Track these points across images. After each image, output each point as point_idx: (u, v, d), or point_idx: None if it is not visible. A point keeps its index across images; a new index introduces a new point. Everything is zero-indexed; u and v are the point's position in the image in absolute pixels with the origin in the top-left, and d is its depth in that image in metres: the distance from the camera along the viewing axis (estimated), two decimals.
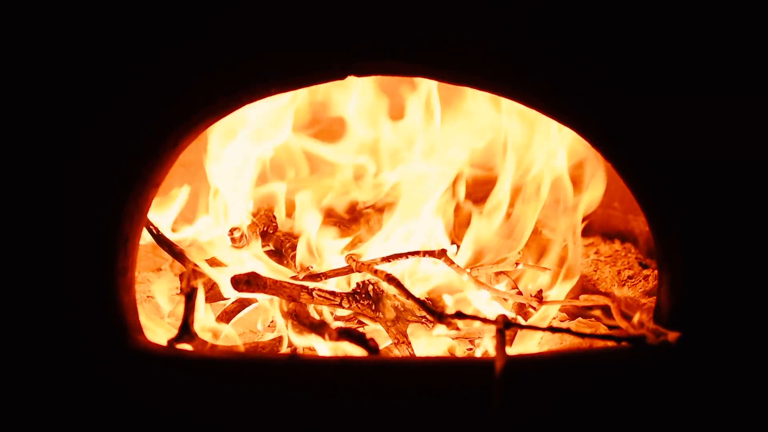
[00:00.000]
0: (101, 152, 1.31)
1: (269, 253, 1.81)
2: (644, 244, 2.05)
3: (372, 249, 1.81)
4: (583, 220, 1.79)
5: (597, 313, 1.64)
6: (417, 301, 1.45)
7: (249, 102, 1.40)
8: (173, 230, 1.84)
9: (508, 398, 1.16)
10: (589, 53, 1.30)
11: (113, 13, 1.29)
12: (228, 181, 1.87)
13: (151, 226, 1.70)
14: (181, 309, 1.38)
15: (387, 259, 1.68)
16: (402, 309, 1.61)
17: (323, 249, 1.84)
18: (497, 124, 1.88)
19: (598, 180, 1.77)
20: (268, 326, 1.75)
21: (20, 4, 1.28)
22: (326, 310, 1.65)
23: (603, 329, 1.62)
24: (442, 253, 1.70)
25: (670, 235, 1.36)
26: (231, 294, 1.59)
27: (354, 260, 1.69)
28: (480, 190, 1.96)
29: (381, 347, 1.45)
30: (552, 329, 1.32)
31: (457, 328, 1.64)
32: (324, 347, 1.48)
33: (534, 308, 1.69)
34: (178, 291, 1.87)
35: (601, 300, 1.64)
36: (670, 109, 1.30)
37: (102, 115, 1.31)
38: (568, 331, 1.30)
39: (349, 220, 2.02)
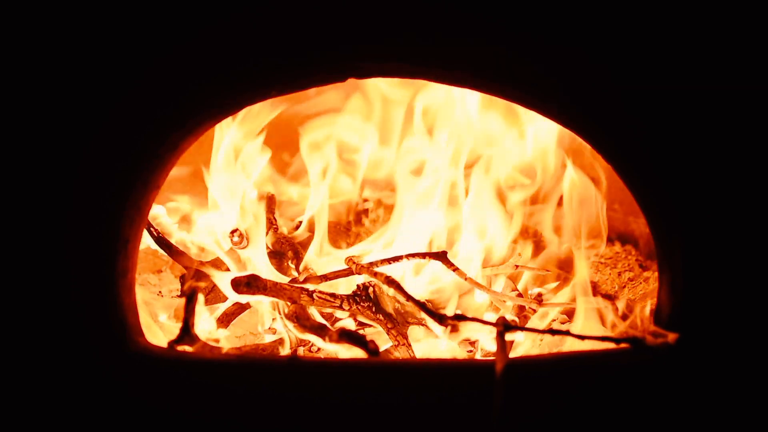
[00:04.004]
0: (102, 154, 1.31)
1: (269, 254, 1.81)
2: (644, 246, 2.05)
3: (372, 251, 1.81)
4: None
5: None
6: (417, 303, 1.45)
7: (250, 104, 1.40)
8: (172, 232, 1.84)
9: (508, 400, 1.16)
10: (590, 55, 1.31)
11: (114, 15, 1.30)
12: (227, 182, 1.87)
13: (151, 228, 1.71)
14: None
15: (387, 261, 1.68)
16: (402, 311, 1.61)
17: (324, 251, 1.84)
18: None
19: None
20: (269, 328, 1.75)
21: (21, 5, 1.29)
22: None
23: (603, 331, 1.62)
24: (442, 255, 1.70)
25: (670, 237, 1.36)
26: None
27: (354, 262, 1.69)
28: None
29: (381, 349, 1.45)
30: (552, 331, 1.32)
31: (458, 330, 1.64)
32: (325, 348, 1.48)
33: (534, 310, 1.69)
34: (179, 293, 1.87)
35: (601, 302, 1.64)
36: (670, 110, 1.30)
37: (102, 116, 1.31)
38: (567, 333, 1.30)
39: (349, 222, 2.02)
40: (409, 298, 1.48)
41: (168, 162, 1.38)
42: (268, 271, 1.73)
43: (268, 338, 1.68)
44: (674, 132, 1.31)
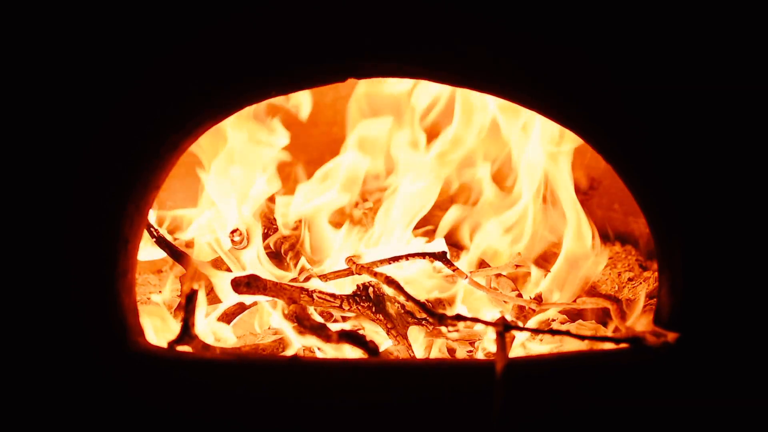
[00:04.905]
0: (102, 154, 1.31)
1: (268, 254, 1.81)
2: (645, 246, 2.05)
3: (372, 251, 1.81)
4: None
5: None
6: (417, 303, 1.45)
7: (250, 104, 1.40)
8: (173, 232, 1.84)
9: (508, 400, 1.16)
10: (590, 55, 1.31)
11: (114, 15, 1.30)
12: (227, 183, 1.87)
13: (151, 228, 1.70)
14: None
15: (387, 261, 1.68)
16: (402, 311, 1.61)
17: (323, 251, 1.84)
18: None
19: None
20: (269, 328, 1.75)
21: (21, 5, 1.29)
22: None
23: (603, 331, 1.62)
24: (442, 255, 1.70)
25: (670, 237, 1.36)
26: (227, 297, 1.59)
27: (354, 262, 1.69)
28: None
29: (381, 349, 1.46)
30: (552, 331, 1.32)
31: (458, 330, 1.64)
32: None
33: (533, 310, 1.69)
34: (179, 293, 1.87)
35: (601, 302, 1.64)
36: (670, 110, 1.30)
37: (103, 116, 1.31)
38: (567, 333, 1.30)
39: (349, 222, 2.02)
40: (409, 297, 1.48)
41: (168, 162, 1.38)
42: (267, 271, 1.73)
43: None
44: (674, 132, 1.31)
